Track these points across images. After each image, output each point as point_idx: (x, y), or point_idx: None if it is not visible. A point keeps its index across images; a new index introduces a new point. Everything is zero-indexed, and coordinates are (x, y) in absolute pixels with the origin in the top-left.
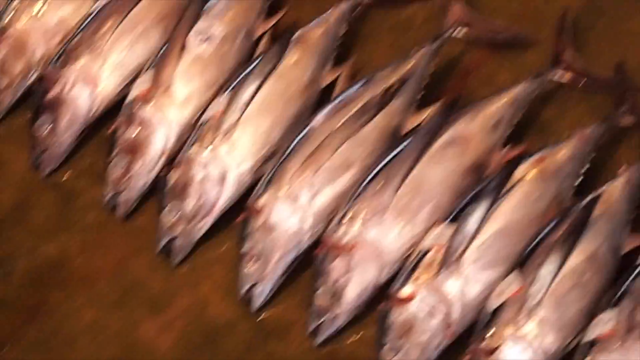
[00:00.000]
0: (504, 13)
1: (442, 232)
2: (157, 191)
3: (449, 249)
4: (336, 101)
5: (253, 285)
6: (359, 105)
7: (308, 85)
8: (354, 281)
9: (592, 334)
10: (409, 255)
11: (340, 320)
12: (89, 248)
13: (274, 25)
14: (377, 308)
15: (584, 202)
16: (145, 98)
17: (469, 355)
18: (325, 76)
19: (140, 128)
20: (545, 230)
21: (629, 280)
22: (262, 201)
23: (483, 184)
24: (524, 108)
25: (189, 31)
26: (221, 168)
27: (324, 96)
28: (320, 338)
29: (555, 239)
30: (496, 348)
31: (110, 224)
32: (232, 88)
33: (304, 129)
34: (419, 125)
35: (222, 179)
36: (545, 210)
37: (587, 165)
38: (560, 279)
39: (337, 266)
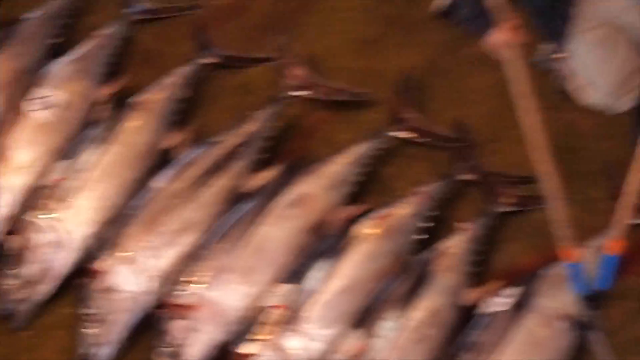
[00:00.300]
0: (345, 73)
1: (285, 292)
2: None
3: (291, 308)
4: (178, 164)
5: (94, 347)
6: (201, 168)
7: (149, 148)
8: (196, 341)
9: None
10: (252, 315)
11: None
12: None
13: (115, 91)
14: None
15: (426, 257)
16: None
17: None
18: (167, 139)
19: None
20: (388, 287)
21: (470, 335)
22: (102, 264)
23: (325, 243)
24: (365, 167)
25: (25, 98)
26: (62, 233)
27: (166, 159)
28: None
29: (397, 294)
30: None
31: None
32: (73, 153)
33: (146, 192)
34: (261, 186)
35: (63, 243)
36: (387, 266)
37: (429, 223)
38: (404, 334)
39: (179, 326)
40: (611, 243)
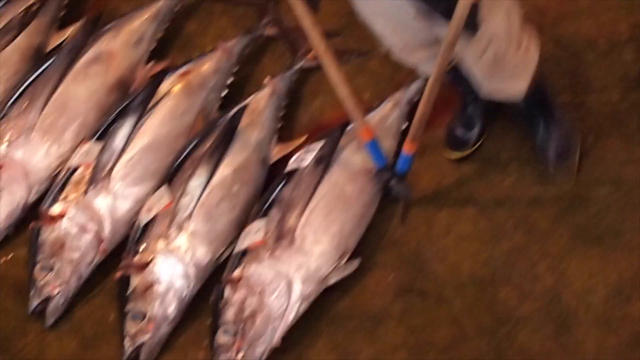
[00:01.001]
0: None
1: (89, 150)
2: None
3: (96, 167)
4: None
5: None
6: (1, 25)
7: None
8: (3, 201)
9: (242, 244)
10: (57, 174)
11: None
12: None
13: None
14: (28, 227)
15: (230, 113)
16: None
17: (121, 271)
18: None
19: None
20: (193, 144)
21: (276, 190)
22: None
23: (128, 100)
24: (166, 23)
25: None
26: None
27: None
28: None
29: (203, 151)
30: (148, 262)
31: None
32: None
33: None
34: (61, 43)
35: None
36: (192, 123)
37: (232, 78)
38: (209, 191)
39: None
40: (408, 145)
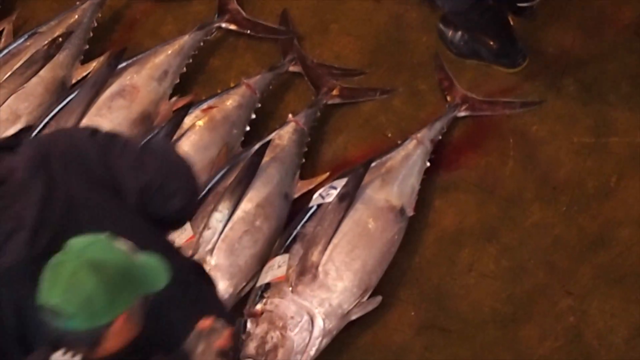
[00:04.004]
0: None
1: None
2: None
3: None
4: (1, 54)
5: None
6: (24, 59)
7: None
8: None
9: (265, 278)
10: None
11: None
12: None
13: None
14: None
15: (254, 149)
16: None
17: None
18: None
19: None
20: (216, 178)
21: (299, 225)
22: None
23: (152, 134)
24: (190, 58)
25: None
26: None
27: None
28: None
29: (225, 186)
30: None
31: None
32: None
33: None
34: (85, 76)
35: None
36: (214, 158)
37: (255, 115)
38: (231, 225)
39: None
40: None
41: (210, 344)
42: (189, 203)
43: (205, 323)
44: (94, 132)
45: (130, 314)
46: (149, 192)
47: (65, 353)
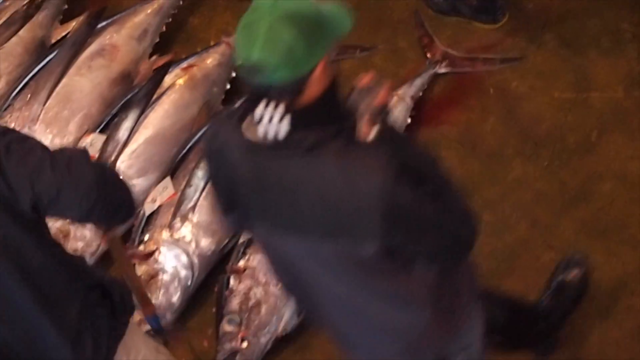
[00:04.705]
0: None
1: (93, 142)
2: None
3: (100, 158)
4: None
5: None
6: (2, 20)
7: None
8: None
9: (247, 235)
10: None
11: None
12: None
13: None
14: None
15: (234, 107)
16: None
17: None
18: None
19: None
20: (197, 136)
21: None
22: None
23: (132, 93)
24: (170, 17)
25: None
26: None
27: None
28: None
29: None
30: (153, 252)
31: None
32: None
33: None
34: (65, 36)
35: None
36: (195, 116)
37: (234, 74)
38: None
39: None
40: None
41: (370, 101)
42: (90, 210)
43: (363, 81)
44: (4, 132)
45: (327, 59)
46: (42, 203)
47: (267, 105)
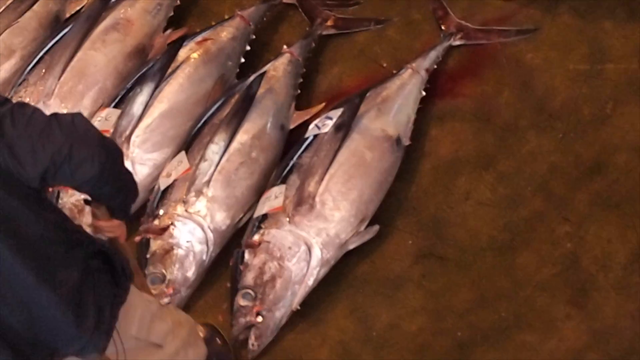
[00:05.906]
0: None
1: (108, 116)
2: None
3: (115, 132)
4: None
5: None
6: None
7: None
8: None
9: (262, 209)
10: None
11: None
12: None
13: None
14: None
15: (249, 80)
16: None
17: (141, 235)
18: None
19: None
20: (212, 110)
21: (296, 156)
22: None
23: (146, 67)
24: None
25: None
26: None
27: None
28: None
29: (221, 118)
30: (167, 227)
31: None
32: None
33: None
34: (79, 10)
35: None
36: (210, 90)
37: (248, 47)
38: (228, 157)
39: None
40: None
41: None
42: (101, 171)
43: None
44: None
45: None
46: (53, 167)
47: None
